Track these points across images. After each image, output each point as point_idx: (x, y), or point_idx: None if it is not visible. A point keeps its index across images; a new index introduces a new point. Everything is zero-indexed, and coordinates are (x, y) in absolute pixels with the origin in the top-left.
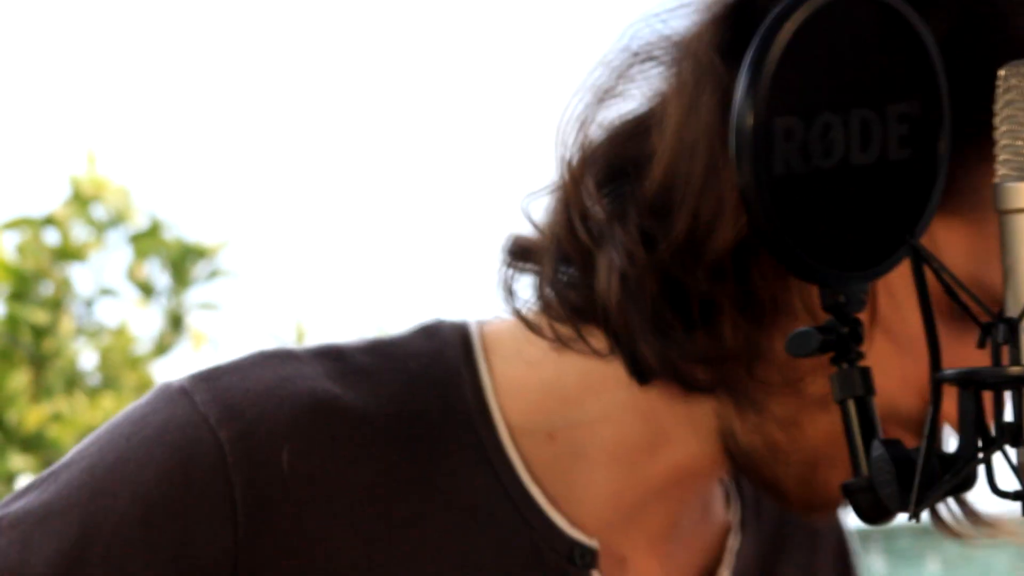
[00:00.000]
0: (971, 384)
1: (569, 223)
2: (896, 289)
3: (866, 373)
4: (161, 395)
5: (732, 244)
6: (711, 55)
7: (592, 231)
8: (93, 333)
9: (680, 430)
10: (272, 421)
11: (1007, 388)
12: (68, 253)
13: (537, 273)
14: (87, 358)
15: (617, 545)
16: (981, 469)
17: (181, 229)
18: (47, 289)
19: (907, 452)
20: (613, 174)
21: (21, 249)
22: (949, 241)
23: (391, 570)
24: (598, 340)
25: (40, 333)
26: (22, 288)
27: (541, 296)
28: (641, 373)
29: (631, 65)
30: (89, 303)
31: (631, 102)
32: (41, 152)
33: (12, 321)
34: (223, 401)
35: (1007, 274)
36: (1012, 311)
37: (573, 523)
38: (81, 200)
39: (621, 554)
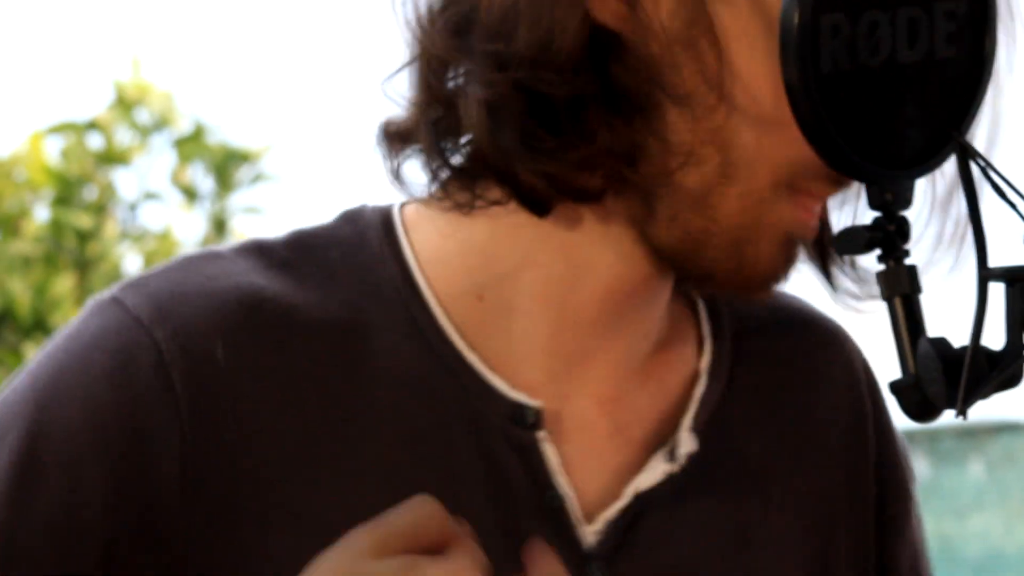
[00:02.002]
0: (1017, 281)
1: (428, 85)
2: (744, 52)
3: (913, 271)
4: (94, 306)
5: (581, 41)
6: None
7: (449, 82)
8: (137, 237)
9: (599, 251)
10: (203, 318)
11: None
12: (112, 157)
13: (420, 150)
14: (131, 262)
15: (562, 402)
16: None
17: (225, 133)
18: (91, 193)
19: (954, 349)
20: (454, 22)
21: (65, 154)
22: (735, 24)
23: (333, 450)
24: (494, 192)
25: (84, 237)
26: (66, 192)
27: (431, 170)
28: (533, 202)
29: None
30: (133, 207)
31: None
32: (85, 57)
33: (56, 225)
34: (154, 303)
35: None
36: None
37: (514, 385)
38: (125, 104)
39: (568, 412)
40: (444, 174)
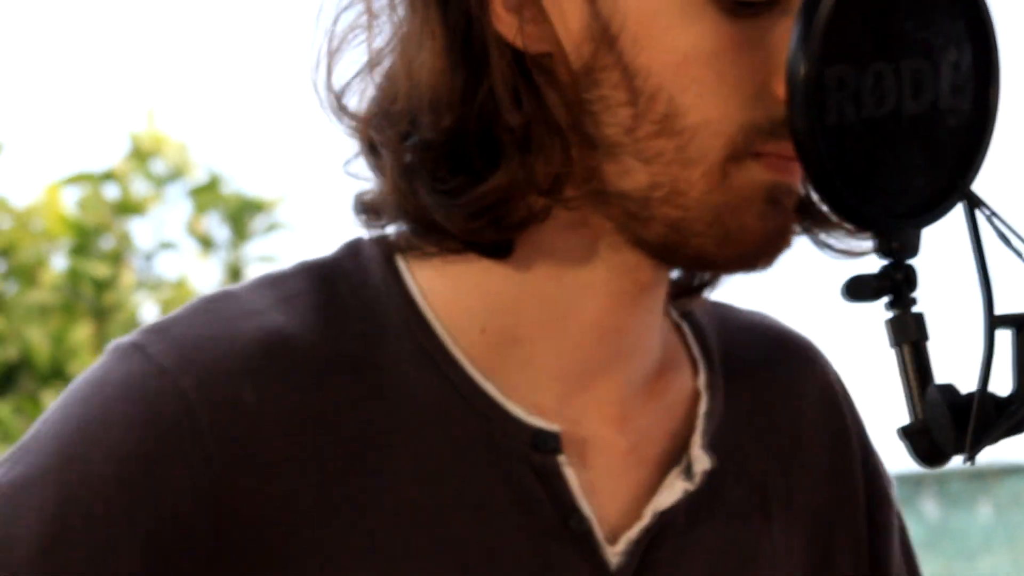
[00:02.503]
0: None
1: (372, 168)
2: (659, 39)
3: (920, 319)
4: (115, 354)
5: (443, 77)
6: None
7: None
8: (153, 286)
9: (591, 270)
10: (228, 361)
11: None
12: (128, 207)
13: (390, 217)
14: (148, 311)
15: (575, 425)
16: None
17: (240, 183)
18: (108, 243)
19: (962, 396)
20: (382, 106)
21: (82, 204)
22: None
23: (360, 483)
24: (451, 243)
25: (101, 286)
26: (83, 242)
27: (400, 234)
28: (493, 248)
29: (346, 29)
30: (149, 257)
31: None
32: (101, 108)
33: (74, 275)
34: (178, 350)
35: None
36: None
37: (529, 412)
38: (141, 155)
39: (582, 435)
40: (411, 238)
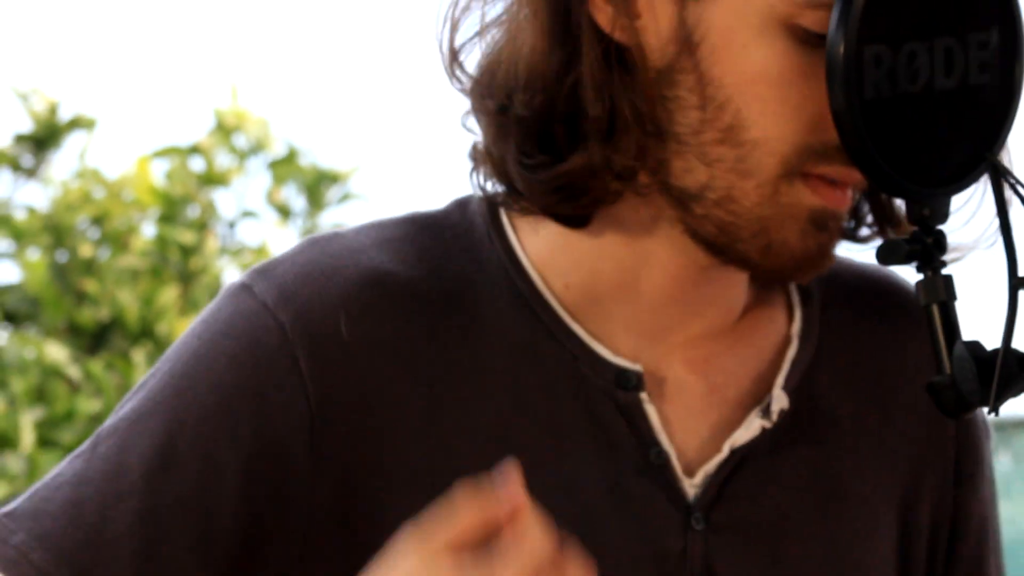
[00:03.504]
0: None
1: (475, 118)
2: (733, 54)
3: (949, 280)
4: (226, 293)
5: (543, 60)
6: None
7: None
8: (236, 252)
9: (658, 245)
10: (326, 296)
11: None
12: (213, 179)
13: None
14: (230, 274)
15: (656, 367)
16: None
17: (316, 156)
18: (194, 212)
19: (987, 352)
20: (481, 69)
21: (170, 176)
22: (726, 22)
23: (452, 413)
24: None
25: (187, 252)
26: (171, 211)
27: (501, 195)
28: (569, 219)
29: None
30: (232, 224)
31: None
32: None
33: (162, 241)
34: (279, 287)
35: None
36: None
37: (614, 353)
38: (224, 130)
39: (663, 375)
40: (505, 196)
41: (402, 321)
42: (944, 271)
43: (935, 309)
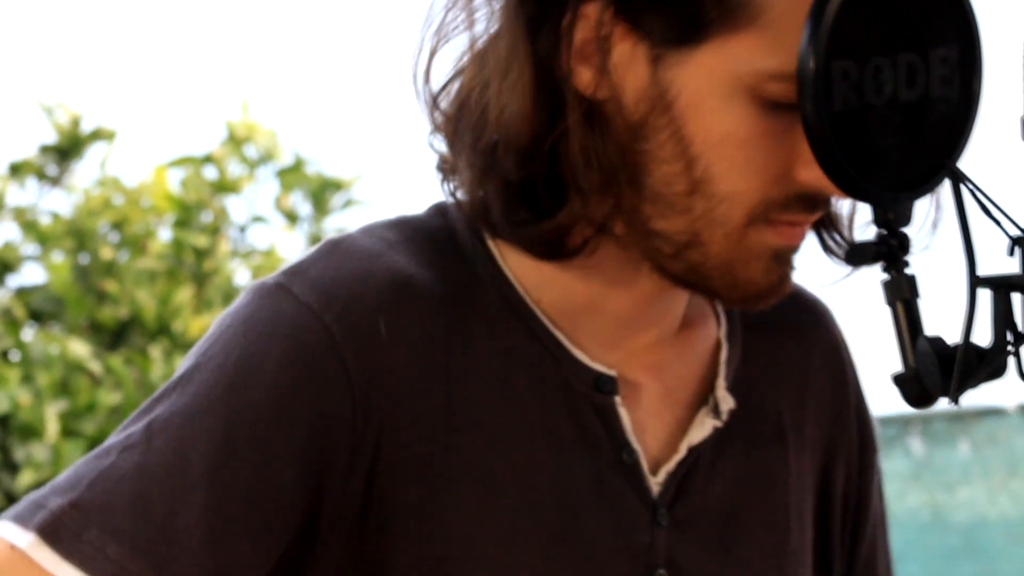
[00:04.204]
0: (1003, 287)
1: (447, 157)
2: (704, 116)
3: (912, 280)
4: (261, 292)
5: (531, 131)
6: None
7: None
8: (246, 254)
9: (628, 272)
10: (364, 298)
11: None
12: (225, 186)
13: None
14: (241, 276)
15: (621, 373)
16: (1011, 360)
17: (321, 165)
18: (207, 217)
19: (948, 347)
20: (453, 104)
21: (185, 183)
22: (748, 50)
23: (462, 408)
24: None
25: (201, 255)
26: (186, 216)
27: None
28: (546, 257)
29: (444, 15)
30: (243, 229)
31: (460, 39)
32: (202, 100)
33: (177, 244)
34: (318, 289)
35: None
36: None
37: (591, 358)
38: (236, 141)
39: (628, 379)
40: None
41: (427, 321)
42: (908, 271)
43: (900, 306)
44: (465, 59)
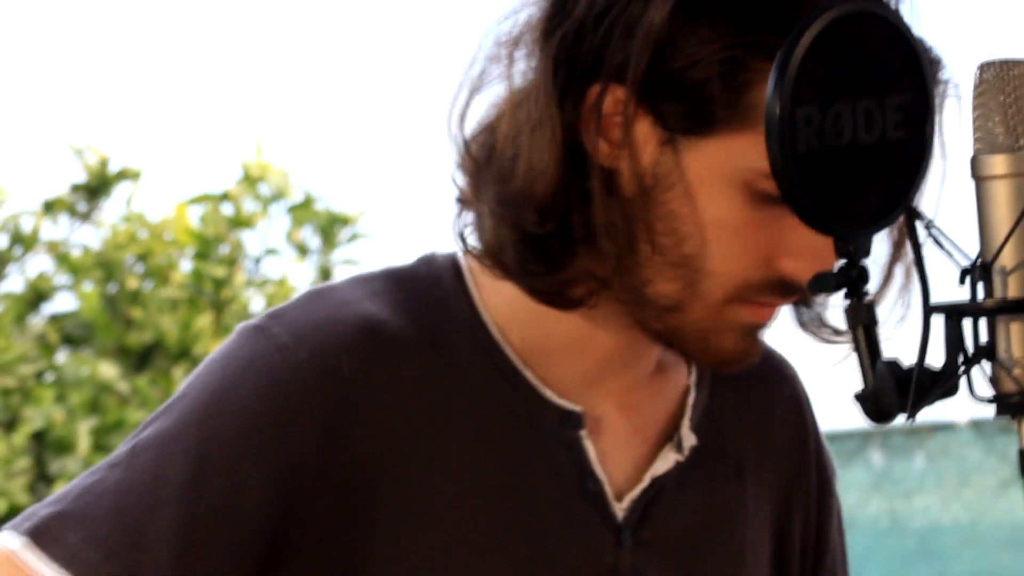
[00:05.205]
0: (955, 314)
1: (467, 195)
2: (701, 199)
3: (871, 307)
4: (242, 334)
5: (554, 190)
6: (534, 45)
7: (478, 198)
8: (260, 284)
9: (609, 321)
10: (333, 341)
11: (982, 316)
12: (240, 222)
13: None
14: (256, 303)
15: (592, 409)
16: (962, 380)
17: (329, 202)
18: (224, 250)
19: (904, 368)
20: (480, 152)
21: (204, 219)
22: (747, 149)
23: (430, 446)
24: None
25: (219, 284)
26: (205, 249)
27: (476, 244)
28: (537, 300)
29: (486, 64)
30: (257, 260)
31: (497, 90)
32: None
33: (197, 275)
34: (293, 331)
35: (981, 228)
36: (986, 257)
37: (558, 395)
38: (250, 180)
39: (597, 416)
40: (480, 255)
41: (393, 362)
42: (867, 299)
43: (860, 331)
44: (498, 111)
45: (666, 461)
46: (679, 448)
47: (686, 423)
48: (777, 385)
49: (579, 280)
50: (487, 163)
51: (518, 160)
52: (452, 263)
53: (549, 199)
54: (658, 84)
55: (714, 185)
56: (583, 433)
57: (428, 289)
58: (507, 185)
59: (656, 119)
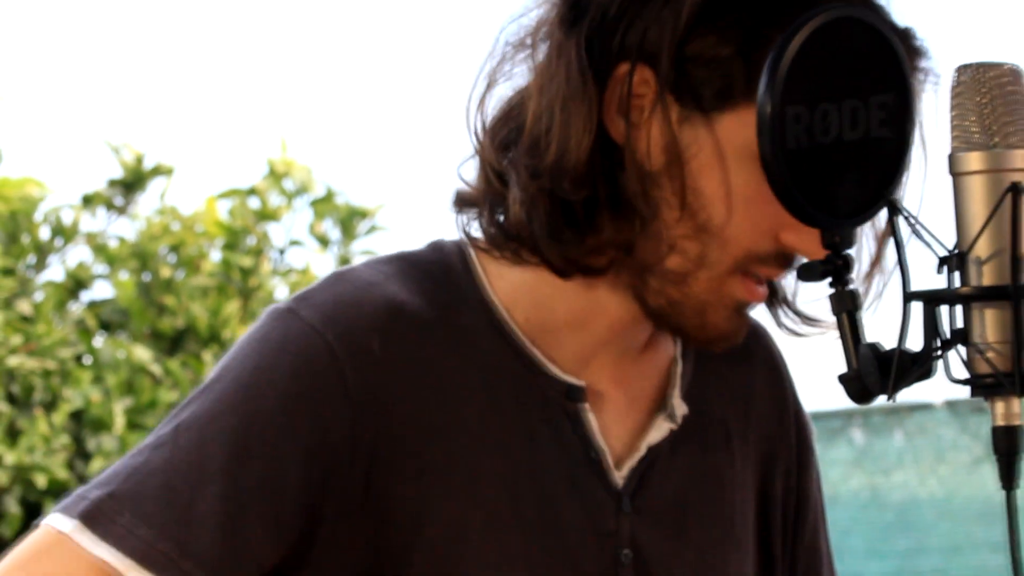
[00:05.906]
0: (933, 300)
1: (486, 178)
2: (721, 170)
3: (855, 294)
4: (274, 316)
5: (587, 159)
6: (557, 32)
7: (501, 180)
8: (285, 273)
9: (610, 300)
10: (362, 321)
11: (958, 303)
12: (266, 215)
13: (479, 216)
14: (281, 291)
15: (591, 383)
16: (939, 363)
17: (349, 196)
18: (251, 241)
19: (885, 351)
20: (507, 137)
21: (232, 212)
22: (746, 123)
23: (447, 420)
24: (530, 255)
25: (246, 273)
26: (233, 240)
27: (485, 232)
28: (558, 271)
29: (506, 54)
30: (282, 251)
31: (518, 79)
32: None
33: (226, 264)
34: (322, 313)
35: (957, 220)
36: (962, 247)
37: (563, 371)
38: (276, 176)
39: (596, 389)
40: (496, 239)
41: (416, 340)
42: (851, 287)
43: (844, 317)
44: (523, 94)
45: (660, 430)
46: (672, 417)
47: (676, 393)
48: (756, 351)
49: (603, 249)
50: (515, 142)
51: (551, 133)
52: (459, 249)
53: (583, 168)
54: (685, 62)
55: (730, 159)
56: (586, 406)
57: (440, 272)
58: (541, 158)
59: (680, 95)
